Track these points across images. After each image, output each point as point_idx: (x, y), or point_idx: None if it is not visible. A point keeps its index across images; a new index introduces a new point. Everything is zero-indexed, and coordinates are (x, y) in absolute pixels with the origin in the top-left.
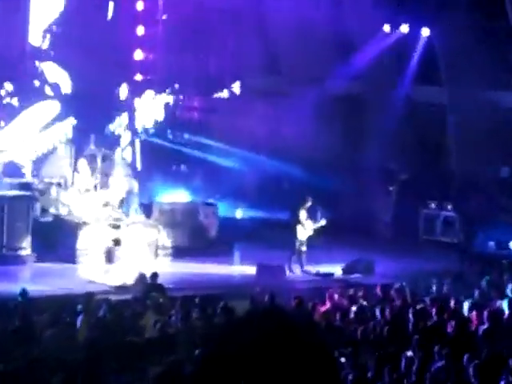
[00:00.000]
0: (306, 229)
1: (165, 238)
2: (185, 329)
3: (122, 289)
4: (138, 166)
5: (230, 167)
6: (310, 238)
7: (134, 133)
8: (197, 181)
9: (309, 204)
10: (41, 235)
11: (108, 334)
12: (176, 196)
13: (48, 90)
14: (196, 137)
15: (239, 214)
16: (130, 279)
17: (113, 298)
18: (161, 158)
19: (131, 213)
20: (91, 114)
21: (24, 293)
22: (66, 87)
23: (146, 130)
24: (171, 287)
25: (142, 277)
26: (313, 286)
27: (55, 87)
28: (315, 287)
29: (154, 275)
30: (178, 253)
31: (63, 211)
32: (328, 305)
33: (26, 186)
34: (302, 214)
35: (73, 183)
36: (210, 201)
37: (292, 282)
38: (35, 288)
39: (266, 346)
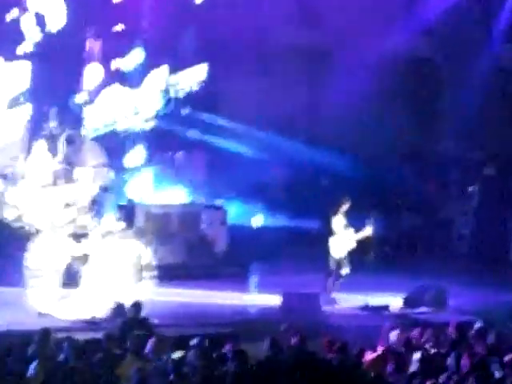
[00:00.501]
0: (343, 242)
1: (152, 254)
2: (178, 381)
3: (90, 324)
4: None
5: (246, 156)
6: (352, 256)
7: None
8: (199, 174)
9: (346, 207)
10: None
11: None
12: (170, 195)
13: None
14: (199, 113)
15: (257, 221)
16: (102, 311)
17: (78, 336)
18: (150, 143)
19: (105, 218)
20: (52, 77)
21: None
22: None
23: None
24: (160, 323)
25: (118, 308)
26: (360, 323)
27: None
28: (363, 325)
29: (137, 306)
30: (171, 275)
31: (9, 215)
32: (380, 350)
33: None
34: (337, 222)
35: (24, 176)
36: (217, 202)
37: (331, 317)
38: None
39: None
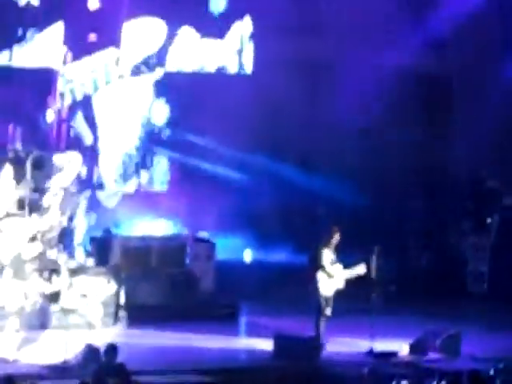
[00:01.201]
0: (331, 278)
1: (130, 293)
2: None
3: (61, 370)
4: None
5: (236, 182)
6: (339, 295)
7: None
8: (183, 203)
9: (336, 238)
10: None
11: None
12: (150, 226)
13: None
14: (183, 133)
15: (248, 255)
16: (73, 355)
17: None
18: (128, 167)
19: (77, 252)
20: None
21: None
22: None
23: None
24: (138, 369)
25: (92, 352)
26: (363, 371)
27: None
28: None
29: (112, 350)
30: (151, 316)
31: None
32: None
33: None
34: (326, 256)
35: None
36: (204, 235)
37: (330, 363)
38: None
39: None
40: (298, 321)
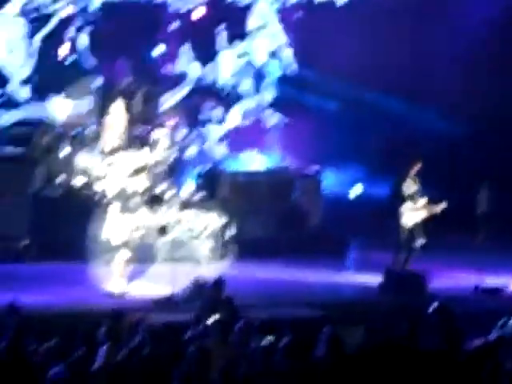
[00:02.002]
0: (415, 210)
1: (237, 227)
2: (268, 370)
3: (167, 305)
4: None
5: (343, 117)
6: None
7: None
8: (292, 137)
9: (417, 169)
10: (43, 218)
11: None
12: (258, 161)
13: None
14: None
15: (356, 190)
16: (180, 289)
17: (154, 319)
18: (234, 102)
19: (185, 186)
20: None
21: (14, 308)
22: None
23: None
24: (245, 304)
25: (199, 287)
26: (470, 308)
27: None
28: (473, 310)
29: (219, 285)
30: (258, 250)
31: (77, 182)
32: (493, 338)
33: (22, 140)
34: (408, 186)
35: (95, 137)
36: (312, 169)
37: (438, 299)
38: (31, 301)
39: None
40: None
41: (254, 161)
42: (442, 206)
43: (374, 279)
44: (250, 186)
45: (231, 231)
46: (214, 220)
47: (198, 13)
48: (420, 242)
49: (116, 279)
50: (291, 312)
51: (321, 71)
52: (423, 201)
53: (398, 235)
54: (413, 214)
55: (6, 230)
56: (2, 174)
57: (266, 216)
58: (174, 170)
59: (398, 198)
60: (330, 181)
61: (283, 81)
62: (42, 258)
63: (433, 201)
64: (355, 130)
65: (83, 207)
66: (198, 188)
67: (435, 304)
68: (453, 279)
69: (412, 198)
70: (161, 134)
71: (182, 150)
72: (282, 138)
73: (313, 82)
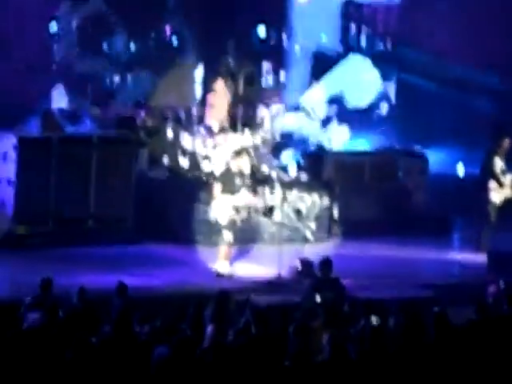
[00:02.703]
0: (502, 187)
1: (343, 208)
2: (376, 350)
3: (274, 285)
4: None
5: (447, 95)
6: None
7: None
8: (396, 117)
9: (506, 145)
10: (148, 200)
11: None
12: (362, 142)
13: None
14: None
15: (461, 169)
16: (287, 270)
17: (261, 299)
18: None
19: (290, 167)
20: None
21: (122, 289)
22: None
23: None
24: (352, 284)
25: (306, 266)
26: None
27: None
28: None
29: (326, 264)
30: (364, 230)
31: (184, 163)
32: None
33: (125, 123)
34: (497, 164)
35: (200, 118)
36: (417, 149)
37: None
38: (137, 282)
39: None
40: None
41: (359, 141)
42: None
43: (478, 258)
44: (354, 165)
45: (336, 212)
46: (319, 200)
47: None
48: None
49: (222, 260)
50: (398, 293)
51: (422, 51)
52: (509, 178)
53: (486, 212)
54: (499, 191)
55: (112, 212)
56: (108, 156)
57: (370, 196)
58: (280, 150)
59: (486, 175)
60: (434, 160)
61: (384, 60)
62: (148, 239)
63: None
64: (461, 110)
65: (188, 188)
66: (304, 168)
67: None
68: None
69: (500, 174)
70: (264, 115)
71: (288, 130)
72: (388, 117)
73: (413, 62)
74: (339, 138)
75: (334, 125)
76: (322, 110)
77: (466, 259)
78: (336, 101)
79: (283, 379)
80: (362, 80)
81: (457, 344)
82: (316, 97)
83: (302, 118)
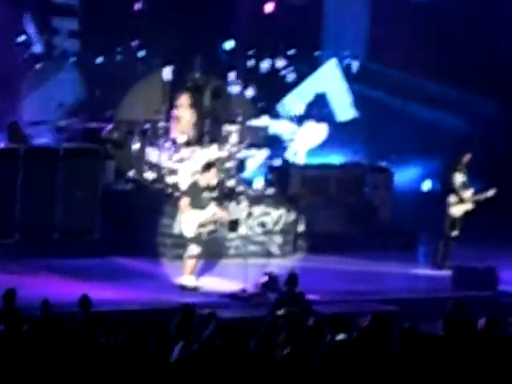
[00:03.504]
0: (462, 202)
1: (308, 222)
2: (341, 366)
3: (239, 299)
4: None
5: (413, 110)
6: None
7: None
8: (362, 133)
9: (466, 160)
10: (114, 213)
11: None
12: (328, 156)
13: None
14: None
15: (427, 185)
16: (251, 284)
17: (225, 314)
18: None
19: (255, 181)
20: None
21: (85, 302)
22: None
23: None
24: (317, 299)
25: (271, 281)
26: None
27: None
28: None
29: (292, 279)
30: (329, 245)
31: (150, 176)
32: None
33: (92, 135)
34: (457, 179)
35: (166, 132)
36: (382, 164)
37: (508, 293)
38: (102, 295)
39: None
40: (476, 250)
41: (325, 155)
42: (492, 192)
43: (443, 273)
44: (320, 180)
45: (302, 226)
46: (284, 214)
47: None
48: (456, 233)
49: (188, 274)
50: (362, 307)
51: (391, 66)
52: (469, 192)
53: (444, 226)
54: (459, 205)
55: (77, 225)
56: (74, 168)
57: (336, 210)
58: (245, 164)
59: (446, 190)
60: (401, 175)
61: (354, 76)
62: (114, 252)
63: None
64: (426, 126)
65: (153, 202)
66: (269, 182)
67: None
68: None
69: (459, 189)
70: (230, 130)
71: (253, 145)
72: (354, 133)
73: (383, 77)
74: (317, 136)
75: (312, 123)
76: (299, 110)
77: (431, 274)
78: (317, 101)
79: None
80: (341, 81)
81: (423, 354)
82: (293, 101)
83: (281, 122)
